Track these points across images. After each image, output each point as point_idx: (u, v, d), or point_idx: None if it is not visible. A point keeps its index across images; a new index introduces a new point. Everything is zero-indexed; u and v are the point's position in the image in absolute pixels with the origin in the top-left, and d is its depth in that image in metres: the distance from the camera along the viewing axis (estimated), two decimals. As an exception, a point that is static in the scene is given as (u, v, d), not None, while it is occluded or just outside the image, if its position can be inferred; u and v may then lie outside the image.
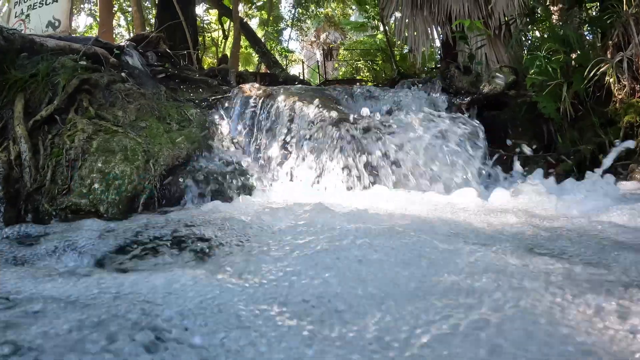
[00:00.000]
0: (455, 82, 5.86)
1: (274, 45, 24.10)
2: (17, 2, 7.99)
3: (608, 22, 4.75)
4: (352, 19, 24.89)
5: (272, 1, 22.90)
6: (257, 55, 22.10)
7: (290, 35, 25.45)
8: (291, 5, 23.71)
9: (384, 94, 5.75)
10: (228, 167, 4.45)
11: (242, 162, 4.68)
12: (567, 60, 4.88)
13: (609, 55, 4.76)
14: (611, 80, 4.61)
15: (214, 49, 24.67)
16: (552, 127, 4.96)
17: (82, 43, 5.46)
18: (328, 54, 25.30)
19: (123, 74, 5.04)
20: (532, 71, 4.88)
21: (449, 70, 5.99)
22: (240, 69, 28.21)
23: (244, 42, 22.53)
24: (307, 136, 4.52)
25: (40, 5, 7.68)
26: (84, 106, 4.22)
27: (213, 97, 5.68)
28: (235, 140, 4.99)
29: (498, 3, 7.42)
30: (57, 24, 7.37)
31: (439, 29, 8.27)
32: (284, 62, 23.13)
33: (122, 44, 6.08)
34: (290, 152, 4.65)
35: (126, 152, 3.84)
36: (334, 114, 4.56)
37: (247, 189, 4.31)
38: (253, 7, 24.32)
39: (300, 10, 23.32)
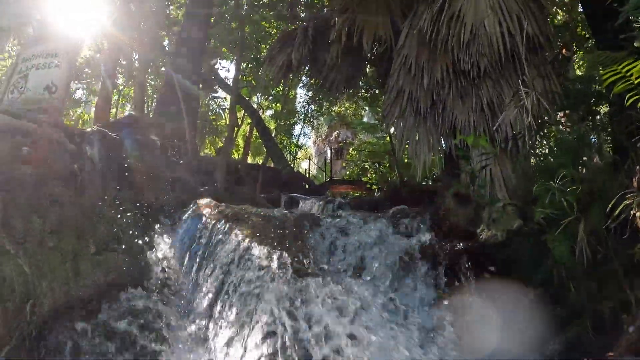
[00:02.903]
0: (450, 216, 4.94)
1: (284, 139, 24.06)
2: (24, 58, 8.02)
3: (638, 145, 3.96)
4: (365, 119, 25.03)
5: (288, 94, 23.07)
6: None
7: (302, 130, 25.52)
8: (305, 101, 23.88)
9: (356, 229, 4.82)
10: (136, 321, 3.51)
11: (162, 314, 3.69)
12: (585, 188, 4.10)
13: (635, 184, 3.89)
14: (638, 214, 3.66)
15: (226, 134, 24.75)
16: (564, 273, 4.00)
17: (38, 125, 4.96)
18: (338, 152, 25.21)
19: (75, 166, 4.46)
20: (543, 203, 4.06)
21: (444, 200, 5.09)
22: (250, 157, 28.27)
23: (256, 131, 22.50)
24: (241, 290, 3.57)
25: (43, 67, 7.69)
26: (-4, 210, 3.51)
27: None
28: (169, 275, 4.11)
29: (506, 116, 6.92)
30: (54, 89, 7.37)
31: (442, 140, 7.77)
32: (290, 157, 22.93)
33: (87, 129, 5.56)
34: (217, 313, 3.65)
35: (1, 286, 3.06)
36: (284, 259, 3.64)
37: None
38: (269, 97, 24.56)
39: (315, 107, 23.42)
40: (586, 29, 11.06)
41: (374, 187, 15.36)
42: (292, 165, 20.54)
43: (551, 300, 3.99)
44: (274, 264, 3.57)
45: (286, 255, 3.63)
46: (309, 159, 25.40)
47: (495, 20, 7.22)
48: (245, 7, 19.23)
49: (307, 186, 14.99)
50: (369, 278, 3.91)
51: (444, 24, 7.43)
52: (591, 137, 6.37)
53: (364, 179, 18.92)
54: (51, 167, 4.25)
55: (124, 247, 3.94)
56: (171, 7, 20.83)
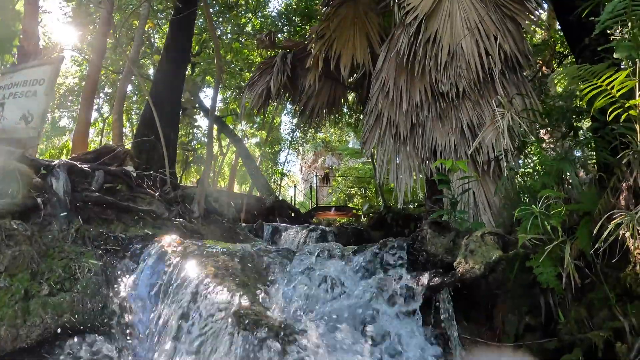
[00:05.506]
0: (427, 245, 4.56)
1: (269, 166, 23.95)
2: (1, 86, 7.85)
3: (623, 162, 3.78)
4: (350, 144, 25.04)
5: (272, 122, 23.06)
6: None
7: (287, 157, 25.42)
8: (290, 128, 23.87)
9: (324, 263, 4.59)
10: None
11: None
12: (570, 209, 3.91)
13: (621, 202, 3.65)
14: (628, 234, 3.37)
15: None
16: (552, 299, 3.76)
17: (4, 158, 4.78)
18: (324, 178, 25.08)
19: (39, 200, 4.26)
20: (525, 228, 3.85)
21: (422, 230, 4.85)
22: (237, 186, 28.03)
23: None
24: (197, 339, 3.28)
25: (20, 96, 7.47)
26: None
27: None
28: (129, 318, 3.84)
29: (486, 136, 6.79)
30: (30, 119, 7.10)
31: (423, 164, 7.63)
32: (275, 186, 22.73)
33: (54, 162, 5.36)
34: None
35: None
36: (243, 302, 3.33)
37: None
38: (254, 126, 24.50)
39: (300, 133, 23.39)
40: (565, 46, 11.12)
41: (360, 212, 15.19)
42: (277, 193, 20.33)
43: (542, 329, 3.75)
44: (233, 310, 3.28)
45: (246, 301, 3.34)
46: (295, 186, 25.23)
47: (472, 40, 7.18)
48: (229, 36, 19.34)
49: (292, 214, 14.74)
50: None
51: (420, 47, 7.38)
52: (575, 152, 6.26)
53: (350, 204, 18.77)
54: (13, 201, 4.07)
55: (79, 287, 3.69)
56: (156, 36, 20.90)
